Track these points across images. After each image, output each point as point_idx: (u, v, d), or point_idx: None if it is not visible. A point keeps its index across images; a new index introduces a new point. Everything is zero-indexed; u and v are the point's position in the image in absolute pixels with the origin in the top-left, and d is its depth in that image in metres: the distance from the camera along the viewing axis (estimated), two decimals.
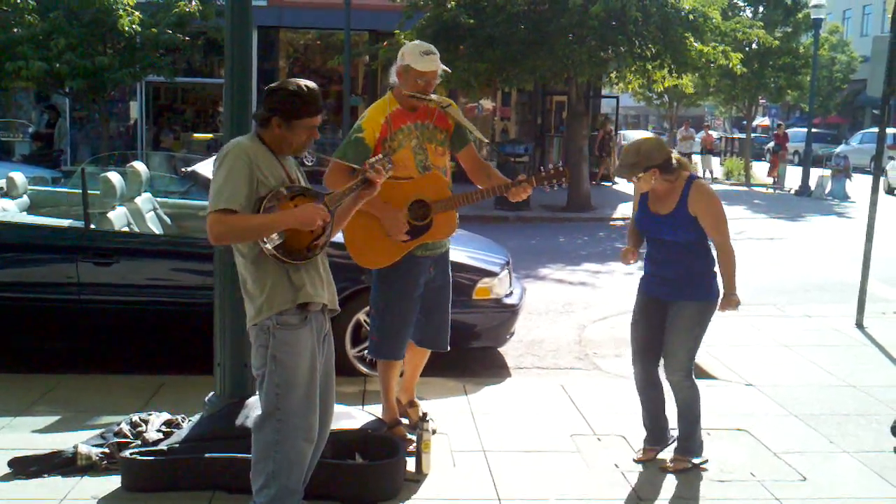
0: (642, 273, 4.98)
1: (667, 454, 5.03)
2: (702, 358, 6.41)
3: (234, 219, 3.42)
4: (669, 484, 4.75)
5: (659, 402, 5.06)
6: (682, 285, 4.73)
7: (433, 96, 4.87)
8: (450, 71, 5.20)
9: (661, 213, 4.71)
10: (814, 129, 25.91)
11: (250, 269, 3.61)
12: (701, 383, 5.26)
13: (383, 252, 4.85)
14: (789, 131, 30.26)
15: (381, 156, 3.81)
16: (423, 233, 4.84)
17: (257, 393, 3.79)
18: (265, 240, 3.49)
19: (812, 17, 24.42)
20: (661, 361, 4.95)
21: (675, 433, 5.03)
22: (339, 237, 4.22)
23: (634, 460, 5.07)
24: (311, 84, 3.66)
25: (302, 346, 3.64)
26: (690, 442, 4.91)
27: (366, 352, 5.71)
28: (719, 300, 4.76)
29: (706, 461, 4.96)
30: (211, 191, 3.50)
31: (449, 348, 5.31)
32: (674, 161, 4.65)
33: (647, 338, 4.95)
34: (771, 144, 28.51)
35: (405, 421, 5.29)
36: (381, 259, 4.89)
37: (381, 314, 5.03)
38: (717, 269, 4.76)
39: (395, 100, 4.91)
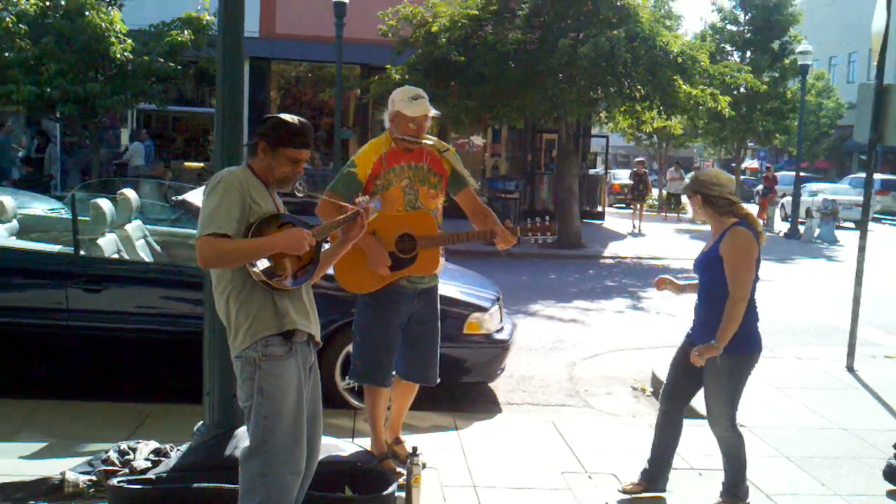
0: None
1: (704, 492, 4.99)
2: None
3: (225, 243, 3.42)
4: None
5: (666, 447, 5.03)
6: (708, 332, 4.64)
7: (431, 140, 4.96)
8: (440, 114, 5.25)
9: (704, 250, 4.82)
10: (802, 174, 26.09)
11: (235, 298, 3.59)
12: (691, 423, 5.26)
13: (367, 277, 4.90)
14: (777, 174, 30.45)
15: (369, 197, 3.89)
16: (407, 265, 4.89)
17: (245, 425, 3.73)
18: (253, 264, 3.49)
19: (799, 62, 24.70)
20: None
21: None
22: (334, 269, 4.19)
23: (620, 490, 5.05)
24: (305, 120, 3.71)
25: (288, 377, 3.61)
26: (737, 489, 4.85)
27: (349, 379, 5.69)
28: (755, 355, 4.71)
29: None
30: (202, 216, 3.50)
31: (438, 381, 5.27)
32: (724, 200, 4.69)
33: (675, 380, 4.98)
34: (760, 187, 28.68)
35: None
36: (364, 283, 4.93)
37: (363, 339, 5.08)
38: (755, 323, 4.69)
39: (389, 140, 4.97)
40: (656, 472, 5.03)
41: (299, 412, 3.66)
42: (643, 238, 21.88)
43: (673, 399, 5.00)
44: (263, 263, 3.51)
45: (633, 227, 23.70)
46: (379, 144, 4.98)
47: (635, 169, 25.96)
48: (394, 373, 5.19)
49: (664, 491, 5.04)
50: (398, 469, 4.98)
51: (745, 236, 4.62)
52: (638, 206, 24.68)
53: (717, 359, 4.57)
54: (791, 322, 11.06)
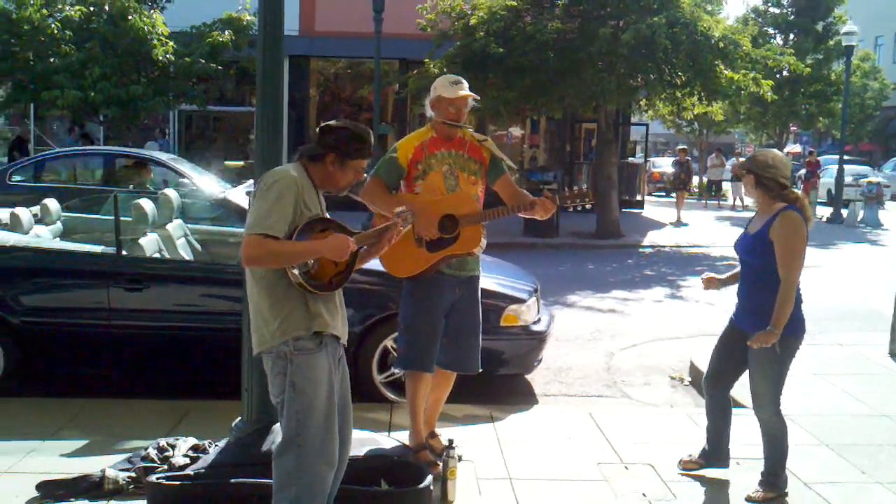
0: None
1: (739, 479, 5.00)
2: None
3: (273, 244, 3.47)
4: None
5: (719, 429, 5.16)
6: (754, 315, 4.72)
7: (469, 129, 5.13)
8: (479, 99, 5.35)
9: (751, 232, 4.83)
10: (845, 157, 25.66)
11: (269, 294, 3.63)
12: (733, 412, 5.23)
13: (411, 261, 5.00)
14: (820, 158, 29.97)
15: (405, 209, 4.00)
16: (450, 244, 4.97)
17: (279, 420, 3.79)
18: (294, 267, 3.54)
19: (843, 44, 24.29)
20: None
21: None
22: (371, 263, 4.25)
23: (679, 463, 5.24)
24: (368, 129, 3.82)
25: (320, 371, 3.66)
26: (776, 477, 4.87)
27: (394, 368, 5.75)
28: (800, 337, 4.77)
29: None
30: (254, 213, 3.54)
31: (480, 370, 5.30)
32: (775, 183, 4.71)
33: (719, 364, 5.07)
34: (803, 171, 28.25)
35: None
36: (409, 267, 5.03)
37: (408, 327, 5.13)
38: (800, 305, 4.73)
39: (432, 129, 5.12)
40: (712, 452, 5.18)
41: (331, 405, 3.70)
42: (685, 228, 21.64)
43: (717, 383, 5.10)
44: (303, 266, 3.57)
45: (676, 217, 23.18)
46: (421, 133, 5.17)
47: (678, 157, 25.45)
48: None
49: (727, 467, 5.17)
50: (435, 460, 5.02)
51: (797, 221, 4.65)
52: (681, 195, 24.12)
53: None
54: (833, 308, 10.91)
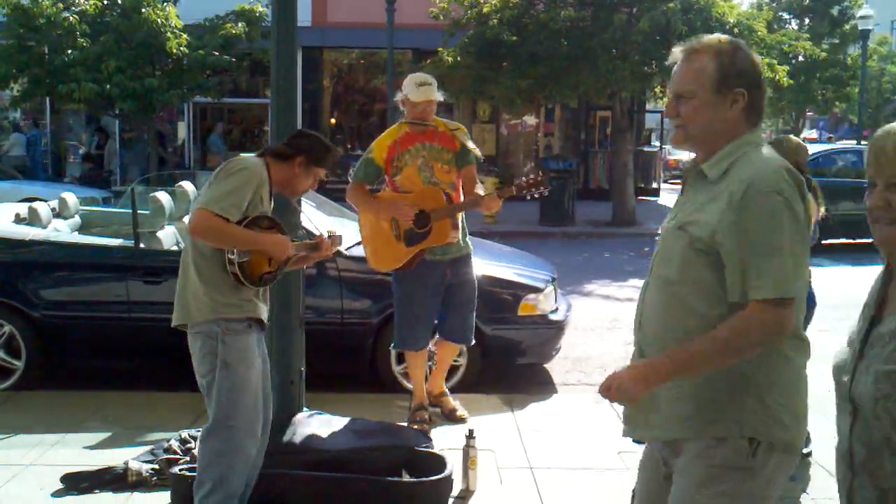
0: None
1: None
2: None
3: (223, 224, 3.54)
4: None
5: None
6: None
7: (440, 120, 5.57)
8: (442, 99, 5.69)
9: None
10: (863, 142, 25.49)
11: (201, 271, 3.68)
12: None
13: (393, 256, 5.51)
14: (838, 144, 29.77)
15: (336, 232, 4.27)
16: (424, 239, 5.42)
17: (205, 401, 3.81)
18: (232, 252, 3.63)
19: (859, 27, 24.10)
20: None
21: None
22: None
23: None
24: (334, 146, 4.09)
25: (250, 351, 3.74)
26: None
27: (391, 347, 6.02)
28: (811, 311, 4.99)
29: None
30: (214, 190, 3.60)
31: (472, 342, 5.84)
32: (799, 169, 4.77)
33: None
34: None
35: (438, 411, 5.84)
36: (391, 262, 5.55)
37: (398, 310, 5.67)
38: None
39: (405, 125, 5.53)
40: None
41: (259, 386, 3.79)
42: None
43: None
44: (242, 256, 3.66)
45: None
46: (394, 131, 5.58)
47: None
48: (437, 335, 5.83)
49: None
50: (427, 422, 5.60)
51: (813, 208, 4.82)
52: None
53: None
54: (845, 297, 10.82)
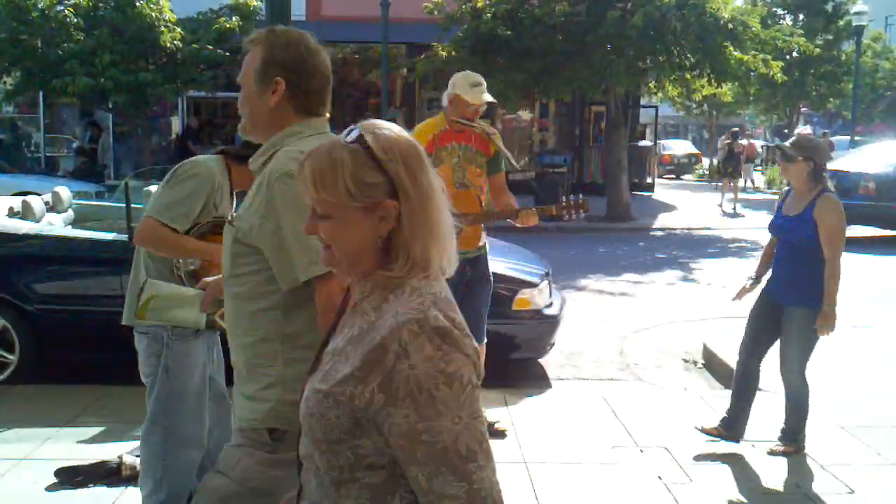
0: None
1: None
2: None
3: (169, 235, 3.46)
4: (712, 498, 4.70)
5: (742, 401, 5.31)
6: (795, 289, 5.00)
7: (480, 123, 5.33)
8: (495, 101, 5.62)
9: (790, 215, 5.05)
10: (857, 138, 25.54)
11: (156, 272, 3.65)
12: None
13: None
14: (833, 140, 29.81)
15: None
16: None
17: (146, 399, 3.77)
18: (181, 261, 3.58)
19: (853, 24, 24.13)
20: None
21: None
22: None
23: (699, 428, 5.39)
24: None
25: (195, 358, 3.69)
26: (796, 434, 5.19)
27: None
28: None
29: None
30: (162, 198, 3.52)
31: (485, 341, 5.55)
32: (823, 170, 5.01)
33: (754, 335, 5.27)
34: None
35: None
36: None
37: None
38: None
39: (444, 121, 5.30)
40: (730, 423, 5.32)
41: (203, 391, 3.74)
42: (739, 218, 19.56)
43: (752, 351, 5.29)
44: (190, 263, 3.60)
45: (721, 207, 21.12)
46: (433, 125, 5.36)
47: (728, 140, 22.55)
48: None
49: (738, 442, 5.31)
50: None
51: (839, 203, 4.95)
52: (729, 183, 21.75)
53: (801, 310, 4.93)
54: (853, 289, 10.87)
